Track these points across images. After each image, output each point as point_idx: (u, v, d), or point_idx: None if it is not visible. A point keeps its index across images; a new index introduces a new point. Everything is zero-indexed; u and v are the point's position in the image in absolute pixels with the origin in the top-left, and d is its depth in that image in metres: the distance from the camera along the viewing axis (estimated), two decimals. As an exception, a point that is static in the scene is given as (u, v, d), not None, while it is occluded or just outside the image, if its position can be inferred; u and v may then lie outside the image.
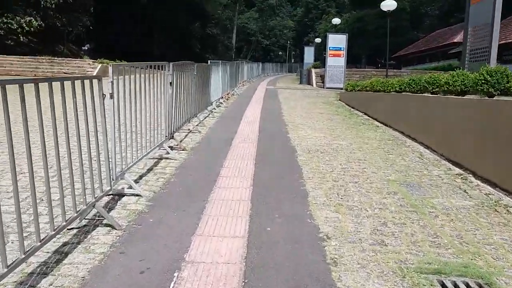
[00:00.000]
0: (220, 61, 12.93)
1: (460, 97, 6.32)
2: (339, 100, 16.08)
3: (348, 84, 15.22)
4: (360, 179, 4.92)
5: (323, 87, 24.79)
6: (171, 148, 6.12)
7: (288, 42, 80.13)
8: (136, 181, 4.64)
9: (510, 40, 21.21)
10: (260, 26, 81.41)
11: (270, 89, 21.74)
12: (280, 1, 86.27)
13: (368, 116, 11.15)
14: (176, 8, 58.11)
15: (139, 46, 49.55)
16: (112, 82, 3.69)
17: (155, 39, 55.83)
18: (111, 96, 3.70)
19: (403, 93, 9.31)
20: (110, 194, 4.10)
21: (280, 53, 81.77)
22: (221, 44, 73.95)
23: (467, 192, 4.52)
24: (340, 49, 24.26)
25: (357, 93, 13.41)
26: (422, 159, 6.11)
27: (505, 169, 4.58)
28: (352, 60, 45.68)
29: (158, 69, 5.53)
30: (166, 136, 5.78)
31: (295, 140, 7.42)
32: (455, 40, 32.22)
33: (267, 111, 11.77)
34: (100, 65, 26.12)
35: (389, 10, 18.77)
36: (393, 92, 9.92)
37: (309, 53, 45.77)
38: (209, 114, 10.26)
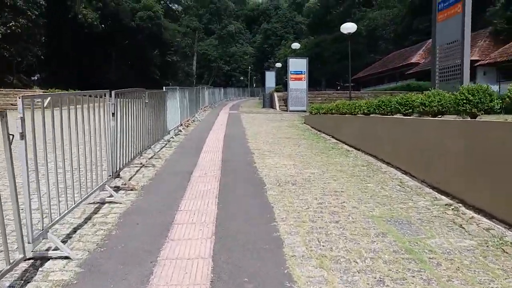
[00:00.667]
0: (178, 87, 12.12)
1: (439, 118, 5.85)
2: (304, 123, 15.63)
3: (312, 107, 14.82)
4: (341, 217, 4.21)
5: (287, 111, 24.47)
6: (118, 188, 5.20)
7: (249, 67, 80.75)
8: (68, 236, 3.72)
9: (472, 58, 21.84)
10: (220, 53, 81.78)
11: (233, 114, 21.10)
12: (239, 29, 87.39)
13: (336, 139, 10.64)
14: (134, 36, 57.37)
15: (96, 73, 48.10)
16: (22, 119, 2.83)
17: (112, 67, 54.46)
18: (22, 137, 2.83)
19: (372, 115, 8.87)
20: (30, 259, 3.16)
21: (242, 78, 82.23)
22: (181, 70, 73.35)
23: (464, 228, 3.91)
24: (301, 72, 24.16)
25: (323, 116, 12.97)
26: (403, 187, 5.51)
27: (500, 196, 4.03)
28: (313, 84, 46.17)
29: (100, 97, 4.69)
30: (109, 176, 4.87)
31: (263, 170, 6.68)
32: (412, 61, 33.26)
33: (230, 138, 11.02)
34: (51, 95, 24.59)
35: (349, 33, 18.76)
36: (360, 115, 9.47)
37: (270, 78, 45.96)
38: (166, 144, 9.36)
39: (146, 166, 6.91)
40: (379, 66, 42.00)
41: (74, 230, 3.89)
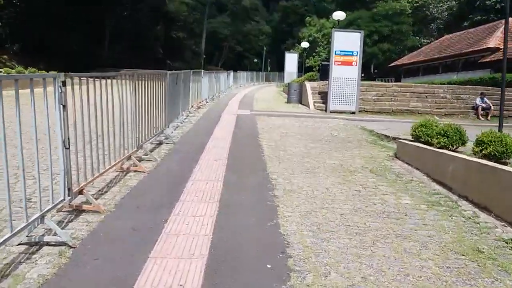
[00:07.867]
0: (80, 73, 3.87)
1: None
2: (396, 157, 7.43)
3: (430, 130, 6.52)
4: None
5: (325, 110, 16.21)
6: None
7: (264, 48, 71.65)
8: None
9: None
10: (232, 31, 72.64)
11: (244, 118, 12.94)
12: (254, 5, 77.91)
13: None
14: (133, 7, 49.14)
15: (84, 49, 39.91)
16: None
17: (104, 42, 46.28)
18: None
19: None
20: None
21: (255, 60, 73.34)
22: (188, 49, 64.78)
23: None
24: (351, 53, 15.79)
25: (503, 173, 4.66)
26: None
27: None
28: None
29: None
30: None
31: None
32: (489, 45, 24.45)
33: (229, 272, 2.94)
34: (-22, 73, 16.74)
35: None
36: None
37: (291, 61, 37.38)
38: None
39: None
40: (431, 52, 33.04)
41: None
